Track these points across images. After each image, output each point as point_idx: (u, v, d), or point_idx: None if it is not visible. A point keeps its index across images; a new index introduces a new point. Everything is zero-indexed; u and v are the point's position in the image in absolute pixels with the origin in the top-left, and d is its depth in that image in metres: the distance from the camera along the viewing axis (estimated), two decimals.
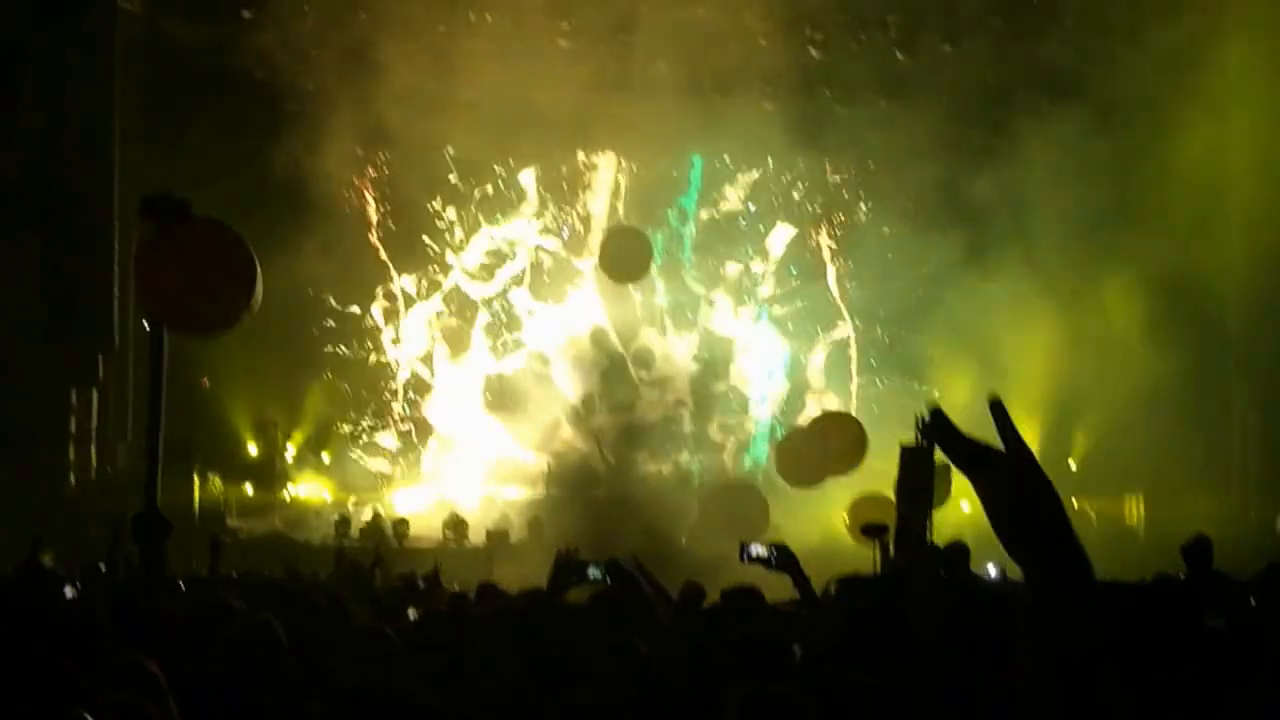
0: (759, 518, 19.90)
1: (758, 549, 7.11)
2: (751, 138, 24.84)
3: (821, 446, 18.88)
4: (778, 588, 7.32)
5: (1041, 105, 23.53)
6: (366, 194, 26.79)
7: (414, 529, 24.47)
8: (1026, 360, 21.91)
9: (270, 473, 25.72)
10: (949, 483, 16.44)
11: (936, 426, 4.57)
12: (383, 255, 26.96)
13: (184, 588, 10.41)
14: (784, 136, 24.53)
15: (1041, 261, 22.73)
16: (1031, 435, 21.70)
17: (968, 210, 23.87)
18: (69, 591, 9.72)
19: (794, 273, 27.49)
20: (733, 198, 27.32)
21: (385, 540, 23.80)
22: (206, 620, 6.58)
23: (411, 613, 9.11)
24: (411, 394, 27.38)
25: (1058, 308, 22.38)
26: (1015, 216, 23.19)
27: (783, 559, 6.88)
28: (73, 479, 22.09)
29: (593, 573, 6.95)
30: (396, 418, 27.34)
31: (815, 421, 21.26)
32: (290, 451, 26.23)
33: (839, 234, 27.30)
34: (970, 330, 22.59)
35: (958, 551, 13.86)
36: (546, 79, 23.18)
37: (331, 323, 26.91)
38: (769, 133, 24.42)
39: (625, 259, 22.85)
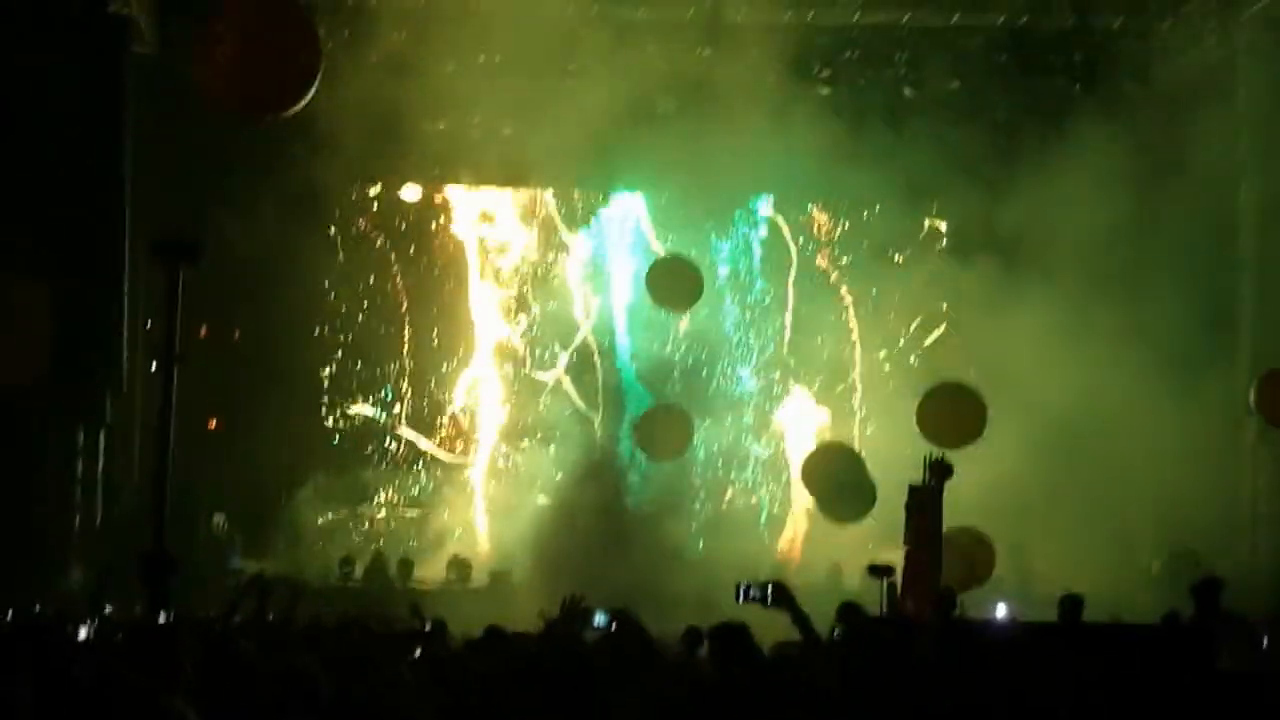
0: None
1: (754, 590, 7.12)
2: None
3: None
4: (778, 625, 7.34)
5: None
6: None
7: (417, 570, 24.56)
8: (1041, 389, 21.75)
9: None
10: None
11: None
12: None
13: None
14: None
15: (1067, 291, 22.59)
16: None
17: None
18: (83, 631, 9.71)
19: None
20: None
21: (388, 581, 23.85)
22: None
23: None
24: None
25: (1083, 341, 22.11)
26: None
27: (778, 596, 6.87)
28: (78, 522, 22.06)
29: (599, 619, 7.05)
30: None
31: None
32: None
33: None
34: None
35: (946, 596, 13.93)
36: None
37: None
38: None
39: (672, 287, 22.83)
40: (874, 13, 24.24)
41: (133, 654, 6.82)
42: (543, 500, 25.02)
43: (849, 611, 10.88)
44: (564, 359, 27.06)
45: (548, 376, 27.00)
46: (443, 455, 26.93)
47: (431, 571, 24.66)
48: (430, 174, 26.12)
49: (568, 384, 26.96)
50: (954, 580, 15.73)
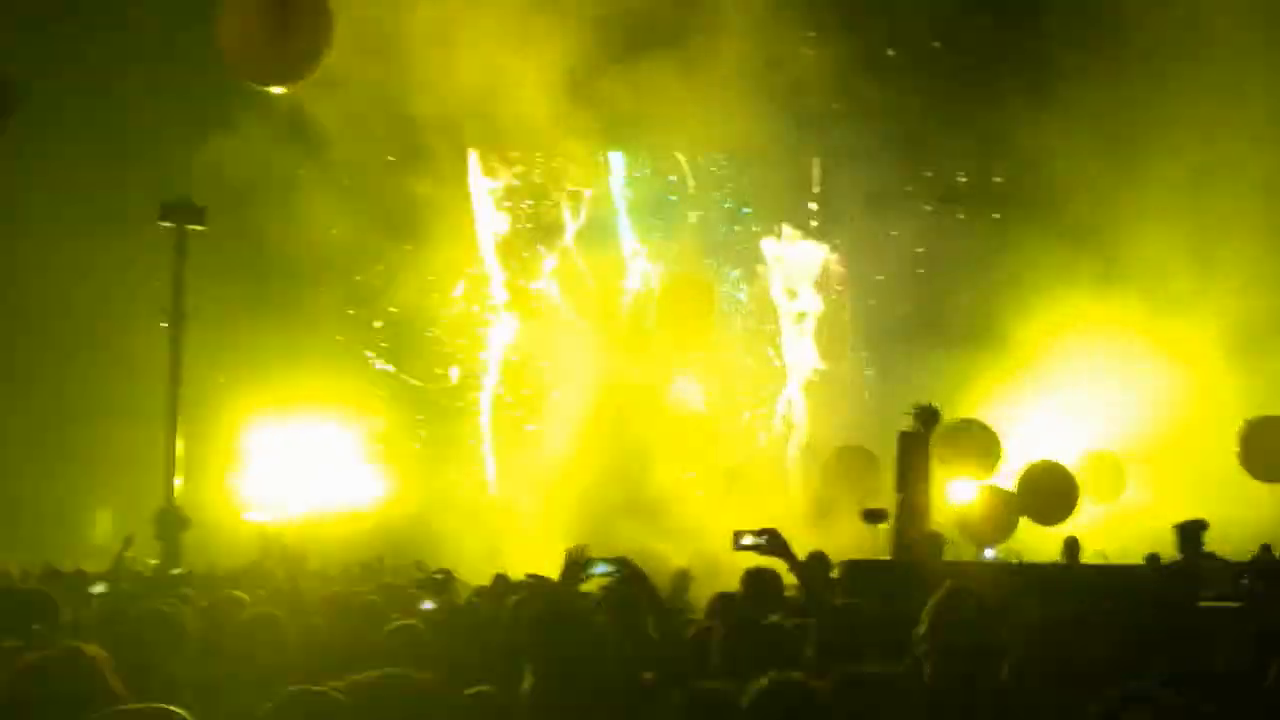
0: None
1: (749, 537, 7.17)
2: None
3: None
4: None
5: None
6: None
7: None
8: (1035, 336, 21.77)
9: None
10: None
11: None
12: None
13: None
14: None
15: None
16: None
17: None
18: (99, 587, 9.82)
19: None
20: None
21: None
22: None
23: (428, 604, 9.25)
24: None
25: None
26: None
27: (774, 544, 6.93)
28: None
29: (602, 568, 7.11)
30: None
31: None
32: None
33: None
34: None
35: (934, 539, 14.11)
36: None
37: None
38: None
39: (686, 309, 22.91)
40: None
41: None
42: None
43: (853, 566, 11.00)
44: None
45: None
46: None
47: None
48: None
49: None
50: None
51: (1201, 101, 21.75)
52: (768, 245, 27.73)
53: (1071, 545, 14.00)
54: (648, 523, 20.22)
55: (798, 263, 27.59)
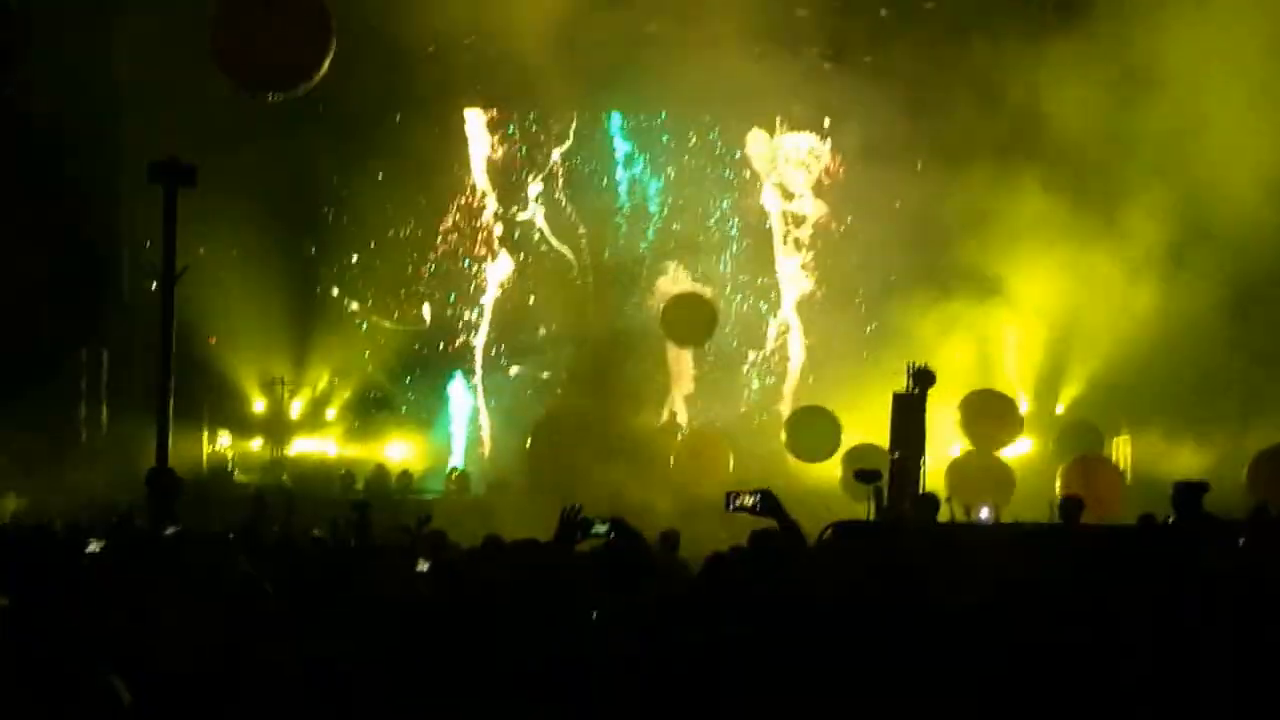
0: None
1: (742, 497, 7.06)
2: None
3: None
4: None
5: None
6: None
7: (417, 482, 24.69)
8: (1032, 289, 21.77)
9: (277, 428, 25.71)
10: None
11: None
12: None
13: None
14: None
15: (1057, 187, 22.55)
16: (1029, 373, 21.67)
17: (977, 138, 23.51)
18: (93, 545, 9.67)
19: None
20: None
21: (388, 493, 23.95)
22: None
23: (422, 564, 9.12)
24: None
25: (1071, 238, 22.06)
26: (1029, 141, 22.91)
27: (768, 505, 6.81)
28: (84, 435, 22.07)
29: (598, 528, 7.02)
30: None
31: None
32: (297, 407, 26.20)
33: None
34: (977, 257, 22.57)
35: (928, 501, 13.96)
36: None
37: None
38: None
39: (687, 326, 22.82)
40: None
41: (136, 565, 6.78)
42: None
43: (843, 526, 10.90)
44: None
45: None
46: None
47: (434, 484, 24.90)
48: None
49: None
50: None
51: (1197, 57, 21.65)
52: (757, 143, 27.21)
53: (1068, 506, 13.81)
54: (634, 472, 20.21)
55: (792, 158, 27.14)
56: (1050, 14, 24.21)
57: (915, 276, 24.12)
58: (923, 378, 15.98)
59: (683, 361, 26.06)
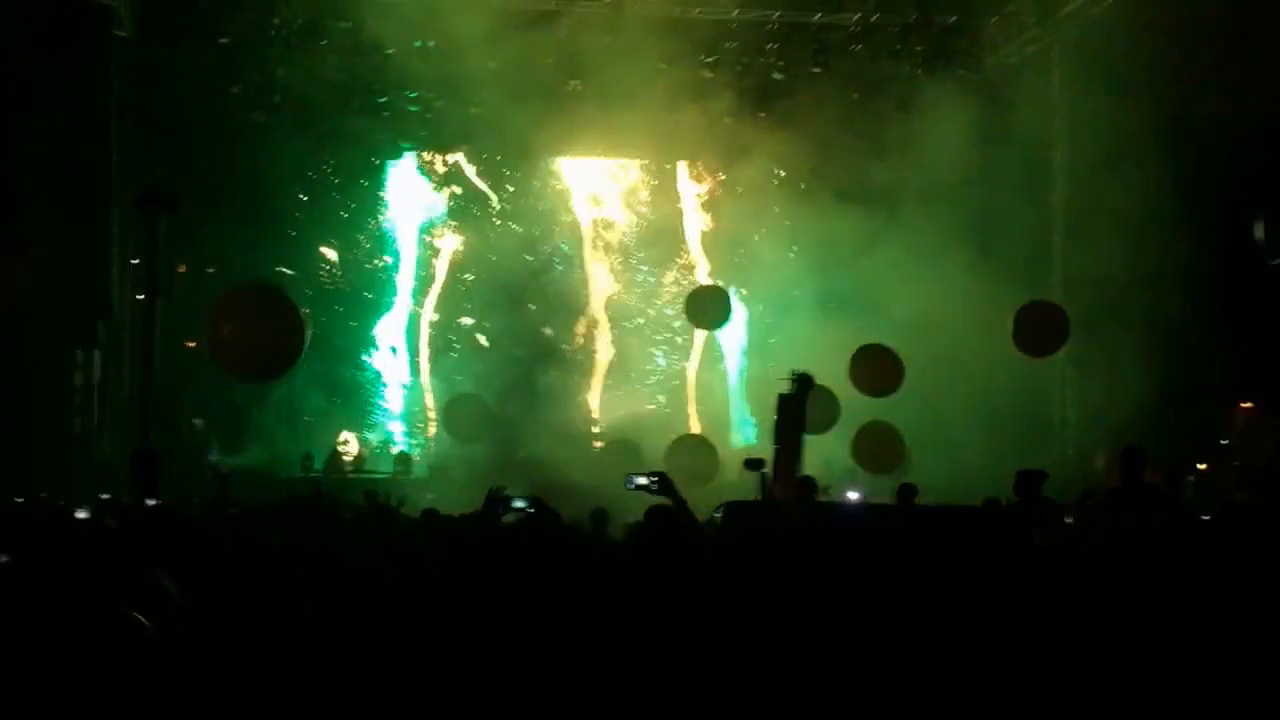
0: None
1: (640, 478, 7.12)
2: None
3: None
4: None
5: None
6: None
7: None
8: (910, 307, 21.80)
9: None
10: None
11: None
12: None
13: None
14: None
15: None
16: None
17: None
18: (81, 513, 9.57)
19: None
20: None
21: (343, 472, 23.79)
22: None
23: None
24: None
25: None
26: None
27: (663, 484, 6.88)
28: (78, 425, 21.73)
29: (518, 504, 7.08)
30: None
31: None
32: None
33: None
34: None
35: (807, 484, 14.14)
36: None
37: None
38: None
39: (708, 310, 22.54)
40: (749, 10, 24.27)
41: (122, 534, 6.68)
42: None
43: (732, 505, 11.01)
44: None
45: None
46: None
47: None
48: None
49: None
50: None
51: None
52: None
53: (905, 490, 13.96)
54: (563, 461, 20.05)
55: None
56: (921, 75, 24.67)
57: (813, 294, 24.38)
58: (803, 381, 16.18)
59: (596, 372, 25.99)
